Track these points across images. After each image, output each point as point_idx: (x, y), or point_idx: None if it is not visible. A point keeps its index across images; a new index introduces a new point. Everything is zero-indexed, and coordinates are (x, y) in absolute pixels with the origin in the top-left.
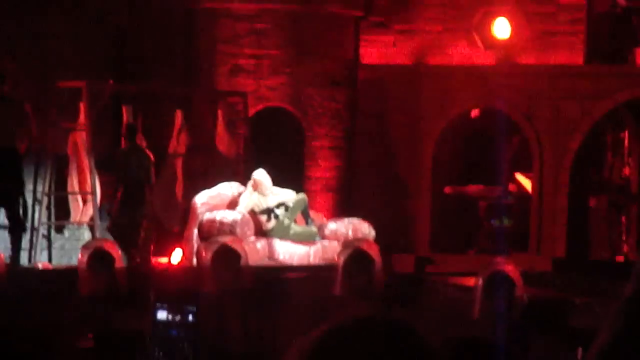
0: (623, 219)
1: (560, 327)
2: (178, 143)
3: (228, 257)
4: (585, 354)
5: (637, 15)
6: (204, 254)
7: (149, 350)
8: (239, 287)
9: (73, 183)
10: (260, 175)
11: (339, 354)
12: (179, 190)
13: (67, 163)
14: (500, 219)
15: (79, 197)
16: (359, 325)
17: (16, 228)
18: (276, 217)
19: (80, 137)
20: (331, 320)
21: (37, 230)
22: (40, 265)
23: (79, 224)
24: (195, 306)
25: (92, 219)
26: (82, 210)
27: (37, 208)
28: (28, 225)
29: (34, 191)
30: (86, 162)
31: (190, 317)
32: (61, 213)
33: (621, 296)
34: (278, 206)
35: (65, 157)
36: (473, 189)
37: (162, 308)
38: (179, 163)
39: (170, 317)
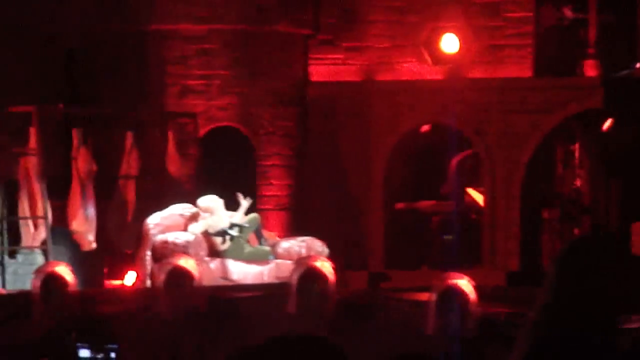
0: (575, 230)
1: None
2: (129, 165)
3: (181, 278)
4: None
5: (584, 27)
6: (157, 275)
7: None
8: (193, 308)
9: (24, 208)
10: (205, 202)
11: None
12: (131, 212)
13: (18, 188)
14: (453, 234)
15: (30, 222)
16: (273, 344)
17: None
18: (231, 238)
19: (30, 162)
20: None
21: None
22: None
23: (32, 248)
24: (117, 344)
25: (44, 243)
26: (33, 235)
27: None
28: None
29: None
30: (37, 187)
31: (113, 355)
32: (13, 238)
33: (534, 305)
34: (232, 227)
35: (16, 182)
36: (425, 204)
37: (84, 347)
38: (131, 185)
39: (91, 355)
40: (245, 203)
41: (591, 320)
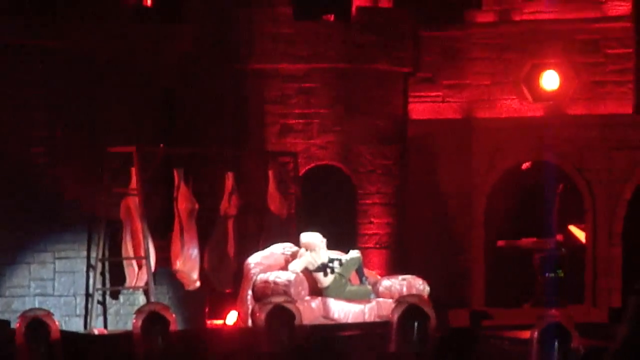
0: None
1: None
2: (229, 204)
3: (282, 317)
4: None
5: None
6: (258, 314)
7: None
8: (295, 347)
9: (127, 248)
10: (307, 237)
11: None
12: (230, 251)
13: (120, 228)
14: (555, 271)
15: (134, 262)
16: None
17: None
18: (332, 271)
19: (133, 202)
20: None
21: (92, 296)
22: (95, 331)
23: (133, 289)
24: None
25: (146, 283)
26: (137, 275)
27: (91, 274)
28: (83, 292)
29: (88, 257)
30: (139, 227)
31: None
32: (115, 278)
33: (615, 338)
34: (332, 261)
35: (118, 222)
36: (526, 241)
37: None
38: (230, 224)
39: None
40: (354, 254)
41: None
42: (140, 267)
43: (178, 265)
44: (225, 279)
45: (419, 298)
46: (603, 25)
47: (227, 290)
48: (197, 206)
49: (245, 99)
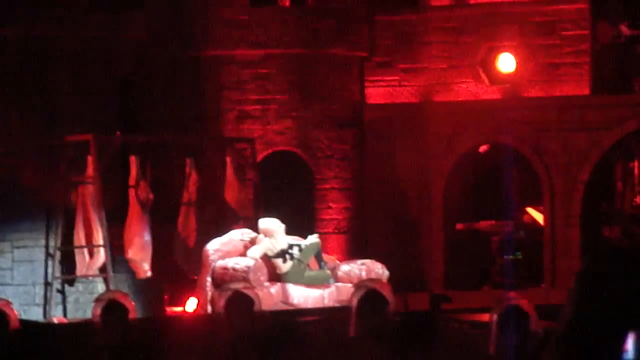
0: None
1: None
2: (189, 192)
3: (241, 303)
4: None
5: None
6: (217, 301)
7: None
8: (254, 333)
9: (79, 236)
10: (265, 223)
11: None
12: (193, 238)
13: (74, 217)
14: (513, 254)
15: (85, 251)
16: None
17: None
18: (292, 257)
19: (87, 190)
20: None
21: (51, 284)
22: (55, 320)
23: (89, 277)
24: None
25: (104, 271)
26: (87, 263)
27: (49, 263)
28: (42, 280)
29: (47, 246)
30: (93, 215)
31: None
32: (73, 267)
33: (560, 322)
34: (291, 247)
35: (75, 210)
36: (484, 224)
37: None
38: (192, 212)
39: None
40: (313, 239)
41: (608, 334)
42: (91, 255)
43: (130, 254)
44: (194, 264)
45: (378, 282)
46: (558, 7)
47: (195, 277)
48: (151, 196)
49: (202, 85)
